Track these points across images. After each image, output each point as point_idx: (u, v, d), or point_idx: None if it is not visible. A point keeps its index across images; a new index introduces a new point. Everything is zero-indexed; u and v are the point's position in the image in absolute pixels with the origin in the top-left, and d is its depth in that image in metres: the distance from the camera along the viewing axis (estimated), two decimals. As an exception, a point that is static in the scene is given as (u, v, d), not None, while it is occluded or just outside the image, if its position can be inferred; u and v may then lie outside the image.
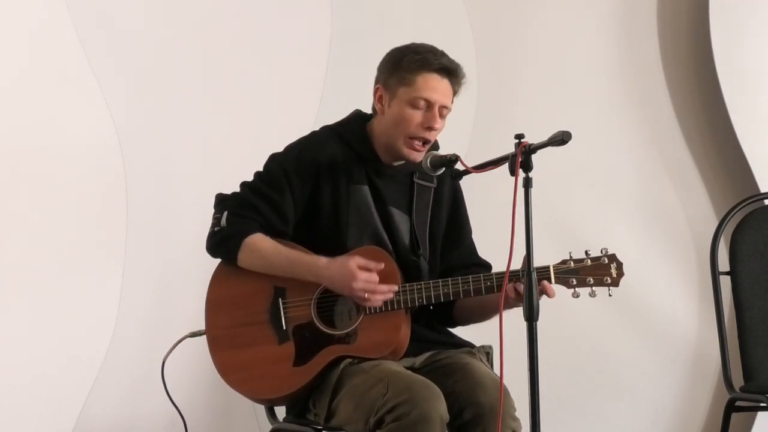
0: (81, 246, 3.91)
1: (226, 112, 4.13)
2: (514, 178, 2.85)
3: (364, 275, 3.11)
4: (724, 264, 3.91)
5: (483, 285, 3.16)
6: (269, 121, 4.17)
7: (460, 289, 3.17)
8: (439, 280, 3.19)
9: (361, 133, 3.29)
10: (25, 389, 3.81)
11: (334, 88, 4.25)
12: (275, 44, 4.21)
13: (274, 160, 3.28)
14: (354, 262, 3.12)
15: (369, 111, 3.37)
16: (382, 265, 3.14)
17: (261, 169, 3.29)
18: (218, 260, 3.28)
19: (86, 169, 3.93)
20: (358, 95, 4.14)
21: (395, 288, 3.14)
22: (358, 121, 3.32)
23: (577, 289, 3.14)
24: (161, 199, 4.04)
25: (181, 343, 3.45)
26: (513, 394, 3.07)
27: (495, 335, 2.91)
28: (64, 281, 3.87)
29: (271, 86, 4.19)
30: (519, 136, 2.89)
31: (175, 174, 4.06)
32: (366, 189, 3.26)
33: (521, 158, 2.85)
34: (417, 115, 3.20)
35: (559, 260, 3.16)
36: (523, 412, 2.95)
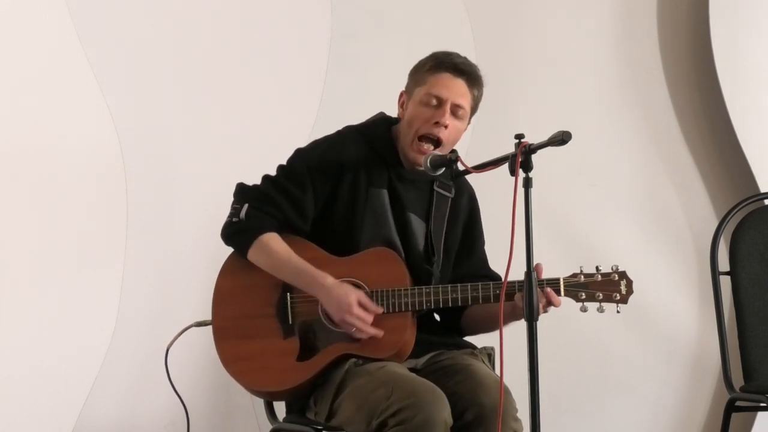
0: (81, 246, 3.91)
1: (226, 112, 4.13)
2: (514, 178, 2.85)
3: (359, 313, 3.11)
4: (724, 264, 3.91)
5: (492, 293, 3.16)
6: (269, 120, 4.16)
7: (469, 295, 3.17)
8: (449, 285, 3.19)
9: (386, 136, 3.30)
10: (25, 387, 3.81)
11: (334, 88, 4.25)
12: (275, 44, 4.21)
13: (298, 156, 3.28)
14: (356, 296, 3.12)
15: (370, 113, 3.38)
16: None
17: (283, 162, 3.29)
18: (221, 256, 3.28)
19: (86, 169, 3.93)
20: (358, 95, 4.16)
21: (381, 333, 3.13)
22: (383, 123, 3.33)
23: (585, 303, 3.14)
24: (161, 197, 4.04)
25: (186, 335, 3.46)
26: (514, 395, 3.07)
27: (496, 336, 2.91)
28: (64, 280, 3.88)
29: (271, 86, 4.19)
30: (519, 136, 2.89)
31: (175, 174, 4.06)
32: (385, 193, 3.27)
33: (521, 158, 2.85)
34: (427, 112, 3.22)
35: (569, 272, 3.16)
36: (523, 412, 2.95)
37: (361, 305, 3.12)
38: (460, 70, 3.24)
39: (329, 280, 3.15)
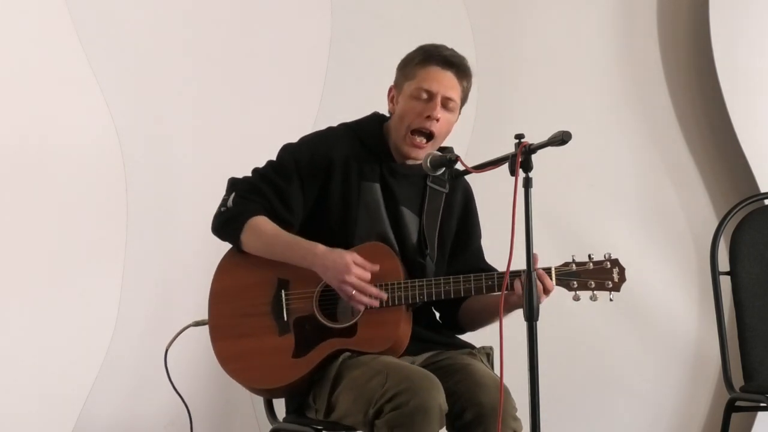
0: (81, 245, 3.91)
1: (226, 111, 4.13)
2: (514, 178, 2.85)
3: (358, 271, 3.12)
4: (724, 264, 3.91)
5: (484, 284, 3.16)
6: (269, 120, 4.17)
7: (461, 287, 3.16)
8: (441, 278, 3.19)
9: (378, 133, 3.31)
10: (25, 387, 3.81)
11: (334, 88, 4.25)
12: (275, 44, 4.21)
13: (286, 150, 3.30)
14: (351, 257, 3.13)
15: (369, 111, 3.38)
16: (377, 267, 3.14)
17: (273, 158, 3.30)
18: (220, 254, 3.29)
19: (86, 169, 3.93)
20: (358, 95, 4.16)
21: (384, 296, 3.14)
22: (375, 121, 3.34)
23: (578, 292, 3.13)
24: (161, 197, 4.04)
25: (185, 335, 3.47)
26: (513, 394, 3.07)
27: (495, 336, 2.91)
28: (64, 281, 3.88)
29: (272, 86, 4.19)
30: (519, 136, 2.89)
31: (175, 173, 4.06)
32: (377, 187, 3.28)
33: (521, 158, 2.85)
34: (418, 106, 3.23)
35: (561, 262, 3.16)
36: (523, 412, 2.95)
37: (356, 264, 3.12)
38: (448, 62, 3.24)
39: (320, 248, 3.15)
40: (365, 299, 3.13)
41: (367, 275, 3.13)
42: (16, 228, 3.83)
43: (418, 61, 3.25)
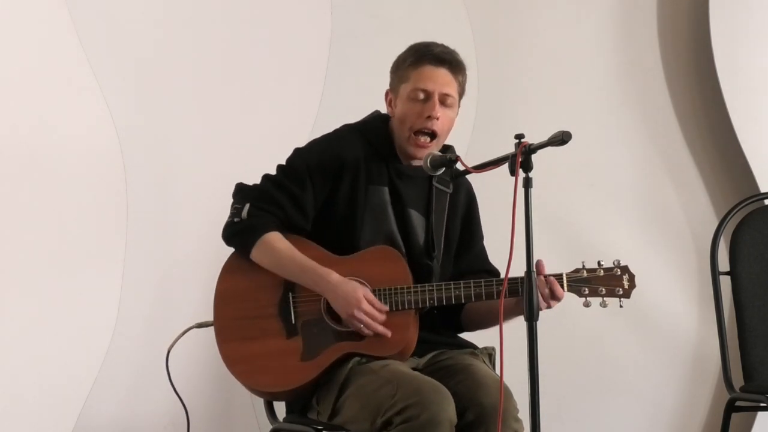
0: (81, 245, 3.91)
1: (227, 112, 4.13)
2: (514, 178, 2.85)
3: (368, 309, 3.11)
4: (724, 264, 3.91)
5: (495, 289, 3.16)
6: (269, 121, 4.17)
7: (472, 293, 3.16)
8: (451, 282, 3.19)
9: (384, 133, 3.31)
10: (25, 387, 3.81)
11: (334, 88, 4.25)
12: (275, 44, 4.21)
13: (297, 154, 3.29)
14: (363, 292, 3.12)
15: (370, 111, 3.38)
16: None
17: (283, 162, 3.29)
18: (221, 257, 3.29)
19: (86, 169, 3.93)
20: (358, 95, 4.16)
21: (389, 333, 3.14)
22: (379, 120, 3.34)
23: (588, 298, 3.14)
24: (161, 197, 4.04)
25: (186, 336, 3.46)
26: (514, 395, 3.07)
27: (496, 336, 2.91)
28: (64, 281, 3.87)
29: (272, 86, 4.19)
30: (519, 136, 2.89)
31: (176, 173, 4.06)
32: (385, 190, 3.27)
33: (521, 158, 2.85)
34: (417, 107, 3.23)
35: (566, 264, 3.16)
36: (523, 413, 2.95)
37: (368, 301, 3.12)
38: (441, 59, 3.24)
39: (334, 276, 3.14)
40: (370, 333, 3.13)
41: (377, 315, 3.13)
42: (17, 228, 3.83)
43: (410, 62, 3.25)
